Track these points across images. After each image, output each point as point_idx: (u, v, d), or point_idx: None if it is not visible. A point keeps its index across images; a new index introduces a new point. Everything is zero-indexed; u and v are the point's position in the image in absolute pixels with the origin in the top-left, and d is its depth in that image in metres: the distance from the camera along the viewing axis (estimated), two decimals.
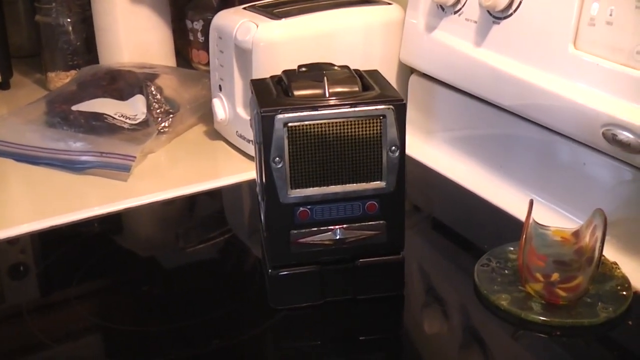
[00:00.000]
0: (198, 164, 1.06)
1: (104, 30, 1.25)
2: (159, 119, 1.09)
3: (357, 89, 0.68)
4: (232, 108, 1.04)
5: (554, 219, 0.82)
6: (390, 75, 1.06)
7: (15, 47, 1.43)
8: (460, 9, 0.94)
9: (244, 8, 1.04)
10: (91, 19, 1.27)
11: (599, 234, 0.69)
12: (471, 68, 0.92)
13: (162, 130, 1.08)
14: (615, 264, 0.75)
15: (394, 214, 0.69)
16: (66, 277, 0.80)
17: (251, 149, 1.00)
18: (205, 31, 1.20)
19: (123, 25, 1.24)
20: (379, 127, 0.66)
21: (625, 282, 0.72)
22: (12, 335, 0.72)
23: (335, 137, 0.66)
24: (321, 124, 0.65)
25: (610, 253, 0.76)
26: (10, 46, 1.37)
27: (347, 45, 1.01)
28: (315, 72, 0.70)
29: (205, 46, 1.21)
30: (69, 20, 1.28)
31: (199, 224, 0.94)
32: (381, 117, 0.66)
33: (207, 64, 1.16)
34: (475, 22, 0.92)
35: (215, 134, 1.11)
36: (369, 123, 0.66)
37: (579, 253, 0.73)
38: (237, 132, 1.05)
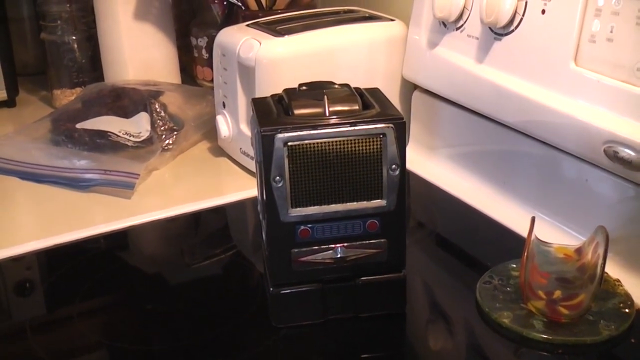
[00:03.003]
0: (202, 181, 1.06)
1: (109, 47, 1.26)
2: (163, 136, 1.09)
3: (357, 107, 0.68)
4: (235, 125, 1.04)
5: (557, 235, 0.82)
6: (394, 91, 1.06)
7: (21, 65, 1.44)
8: (462, 25, 0.94)
9: (247, 25, 1.05)
10: (96, 37, 1.28)
11: (601, 251, 0.69)
12: (473, 84, 0.92)
13: (166, 148, 1.09)
14: (618, 280, 0.75)
15: (395, 232, 0.69)
16: (70, 295, 0.80)
17: (254, 166, 1.00)
18: (210, 48, 1.20)
19: (128, 43, 1.24)
20: (379, 146, 0.66)
21: (627, 299, 0.72)
22: (16, 353, 0.72)
23: (335, 155, 0.66)
24: (321, 143, 0.65)
25: (613, 270, 0.76)
26: (16, 64, 1.38)
27: (350, 62, 1.01)
28: (315, 91, 0.70)
29: (209, 63, 1.22)
30: (74, 38, 1.29)
31: (203, 241, 0.94)
32: (381, 136, 0.66)
33: (212, 80, 1.16)
34: (477, 38, 0.92)
35: (219, 151, 1.12)
36: (369, 142, 0.66)
37: (581, 270, 0.73)
38: (240, 149, 1.05)
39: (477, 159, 0.97)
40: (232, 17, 1.20)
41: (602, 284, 0.70)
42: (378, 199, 0.68)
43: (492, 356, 0.71)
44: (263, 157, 0.65)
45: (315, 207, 0.67)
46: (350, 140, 0.65)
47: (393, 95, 1.06)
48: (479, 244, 0.88)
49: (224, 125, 1.06)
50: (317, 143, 0.65)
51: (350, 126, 0.65)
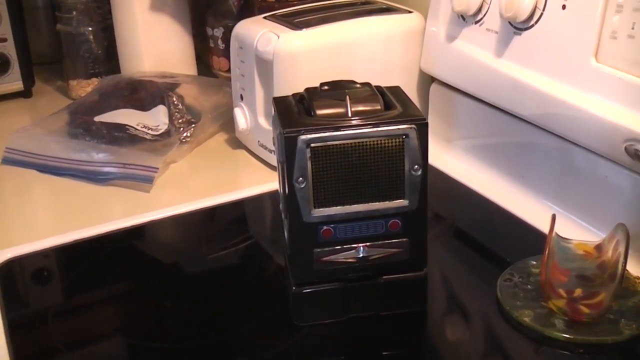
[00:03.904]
0: (220, 173, 1.06)
1: (125, 39, 1.26)
2: (181, 129, 1.09)
3: (379, 107, 0.68)
4: (253, 118, 1.05)
5: (574, 230, 0.82)
6: (411, 84, 1.06)
7: (37, 54, 1.45)
8: (482, 19, 0.94)
9: (264, 17, 1.05)
10: (112, 28, 1.28)
11: (621, 249, 0.69)
12: (491, 78, 0.92)
13: (183, 140, 1.09)
14: (639, 278, 0.75)
15: (417, 231, 0.70)
16: (89, 291, 0.81)
17: (272, 159, 1.01)
18: (226, 38, 1.20)
19: (144, 34, 1.24)
20: (401, 146, 0.66)
21: None
22: (36, 344, 0.73)
23: (358, 156, 0.66)
24: (344, 144, 0.65)
25: (634, 267, 0.76)
26: (32, 53, 1.38)
27: (368, 54, 1.01)
28: (337, 91, 0.70)
29: (225, 53, 1.22)
30: (90, 29, 1.29)
31: (221, 235, 0.94)
32: (403, 137, 0.66)
33: (228, 70, 1.16)
34: (497, 32, 0.91)
35: (236, 143, 1.12)
36: (392, 142, 0.66)
37: (601, 268, 0.73)
38: (258, 141, 1.05)
39: (495, 152, 0.97)
40: (248, 7, 1.20)
41: (623, 282, 0.70)
42: (400, 199, 0.68)
43: (512, 355, 0.71)
44: (286, 158, 0.66)
45: (338, 207, 0.67)
46: (373, 141, 0.66)
47: (410, 88, 1.06)
48: (498, 238, 0.88)
49: (242, 118, 1.06)
50: (340, 144, 0.65)
51: (373, 127, 0.66)
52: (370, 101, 0.69)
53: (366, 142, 0.65)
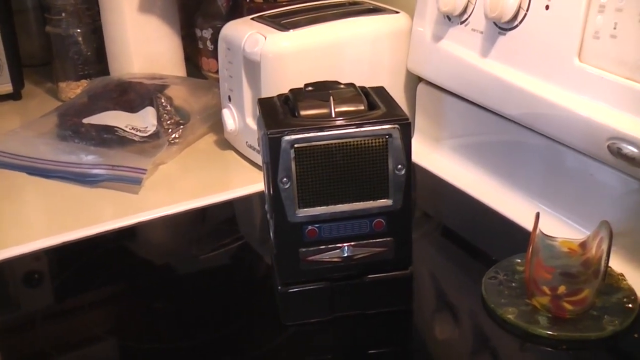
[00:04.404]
0: (209, 174, 1.07)
1: (114, 40, 1.26)
2: (170, 130, 1.10)
3: (362, 107, 0.69)
4: (241, 118, 1.05)
5: (561, 228, 0.83)
6: (399, 84, 1.07)
7: (27, 56, 1.45)
8: (467, 19, 0.94)
9: (252, 18, 1.05)
10: (101, 29, 1.28)
11: (604, 247, 0.70)
12: (477, 78, 0.92)
13: (172, 142, 1.09)
14: (622, 275, 0.76)
15: (401, 230, 0.70)
16: (79, 293, 0.82)
17: (261, 162, 1.01)
18: (215, 39, 1.21)
19: (133, 35, 1.25)
20: (385, 146, 0.67)
21: (631, 294, 0.73)
22: (26, 347, 0.74)
23: (342, 156, 0.66)
24: (328, 144, 0.66)
25: (617, 264, 0.77)
26: (21, 55, 1.38)
27: (355, 55, 1.02)
28: (321, 92, 0.70)
29: (214, 54, 1.22)
30: (79, 30, 1.29)
31: (211, 236, 0.94)
32: (387, 136, 0.66)
33: (217, 71, 1.16)
34: (482, 32, 0.92)
35: (225, 144, 1.12)
36: (375, 142, 0.66)
37: (586, 265, 0.73)
38: (247, 142, 1.06)
39: (482, 152, 0.97)
40: (237, 8, 1.20)
41: (606, 278, 0.71)
42: (384, 198, 0.68)
43: (497, 352, 0.71)
44: (270, 158, 0.66)
45: (323, 207, 0.68)
46: (357, 141, 0.66)
47: (398, 88, 1.07)
48: (484, 237, 0.89)
49: (230, 119, 1.07)
50: (324, 145, 0.66)
51: (357, 127, 0.66)
52: (354, 101, 0.69)
53: (350, 142, 0.66)
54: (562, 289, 0.71)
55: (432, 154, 1.04)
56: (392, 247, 0.70)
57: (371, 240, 0.70)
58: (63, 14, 1.29)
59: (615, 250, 0.72)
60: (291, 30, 0.99)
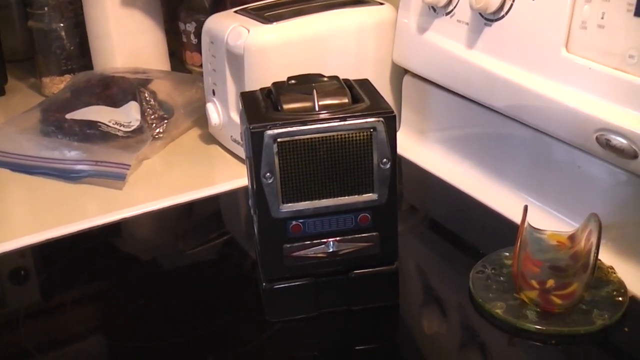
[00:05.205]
0: (193, 169, 1.06)
1: (97, 35, 1.25)
2: (154, 125, 1.08)
3: (346, 100, 0.68)
4: (226, 113, 1.04)
5: (549, 221, 0.82)
6: (384, 76, 1.06)
7: (10, 51, 1.43)
8: (452, 10, 0.93)
9: (236, 11, 1.04)
10: (84, 24, 1.26)
11: (594, 239, 0.69)
12: (463, 70, 0.92)
13: (156, 136, 1.08)
14: (612, 268, 0.75)
15: (387, 225, 0.69)
16: (64, 290, 0.81)
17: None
18: (198, 33, 1.19)
19: (115, 30, 1.23)
20: (369, 140, 0.66)
21: (621, 287, 0.72)
22: (7, 345, 0.73)
23: (325, 150, 0.65)
24: (311, 138, 0.65)
25: (607, 256, 0.76)
26: (4, 51, 1.37)
27: (340, 47, 1.01)
28: (304, 85, 0.69)
29: (198, 48, 1.20)
30: (61, 25, 1.28)
31: (196, 231, 0.93)
32: (371, 130, 0.65)
33: (201, 65, 1.15)
34: (467, 23, 0.91)
35: (210, 138, 1.11)
36: (360, 136, 0.65)
37: (574, 258, 0.73)
38: (231, 136, 1.05)
39: (469, 144, 0.96)
40: (220, 1, 1.19)
41: (595, 271, 0.70)
42: (369, 192, 0.67)
43: (485, 347, 0.70)
44: (253, 153, 0.65)
45: (307, 202, 0.67)
46: (341, 135, 0.65)
47: (384, 80, 1.06)
48: (471, 230, 0.88)
49: (214, 113, 1.05)
50: (307, 139, 0.65)
51: (340, 121, 0.65)
52: (337, 95, 0.68)
53: (334, 136, 0.65)
54: (550, 283, 0.71)
55: (418, 147, 1.03)
56: (378, 242, 0.69)
57: (356, 235, 0.69)
58: (45, 9, 1.27)
59: (604, 243, 0.71)
60: (275, 23, 0.98)
